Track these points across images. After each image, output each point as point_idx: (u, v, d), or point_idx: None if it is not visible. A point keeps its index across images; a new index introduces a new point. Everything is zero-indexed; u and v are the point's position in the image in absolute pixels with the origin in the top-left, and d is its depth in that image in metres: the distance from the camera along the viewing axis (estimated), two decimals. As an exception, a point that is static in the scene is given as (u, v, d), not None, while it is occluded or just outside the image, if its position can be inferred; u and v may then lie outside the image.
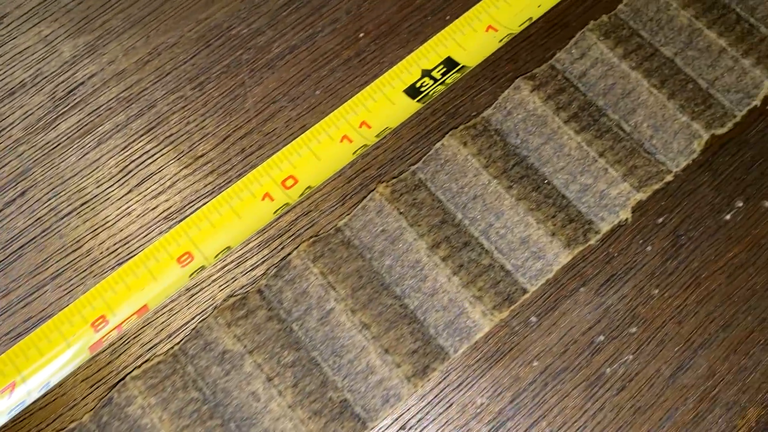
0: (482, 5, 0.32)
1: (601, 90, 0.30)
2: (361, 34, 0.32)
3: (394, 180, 0.29)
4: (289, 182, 0.29)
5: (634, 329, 0.27)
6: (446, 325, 0.27)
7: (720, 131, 0.29)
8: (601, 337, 0.27)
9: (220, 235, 0.29)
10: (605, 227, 0.28)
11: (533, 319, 0.27)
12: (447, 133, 0.30)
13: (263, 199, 0.29)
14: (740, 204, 0.28)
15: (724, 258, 0.28)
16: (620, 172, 0.28)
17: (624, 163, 0.29)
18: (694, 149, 0.29)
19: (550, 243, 0.27)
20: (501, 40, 0.31)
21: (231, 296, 0.28)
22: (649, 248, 0.28)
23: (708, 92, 0.30)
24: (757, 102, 0.29)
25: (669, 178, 0.28)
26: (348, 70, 0.31)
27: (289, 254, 0.28)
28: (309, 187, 0.29)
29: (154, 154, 0.30)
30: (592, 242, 0.28)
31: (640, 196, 0.28)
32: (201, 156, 0.30)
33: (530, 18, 0.32)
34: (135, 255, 0.28)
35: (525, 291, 0.27)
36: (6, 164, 0.30)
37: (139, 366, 0.27)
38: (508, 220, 0.28)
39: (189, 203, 0.30)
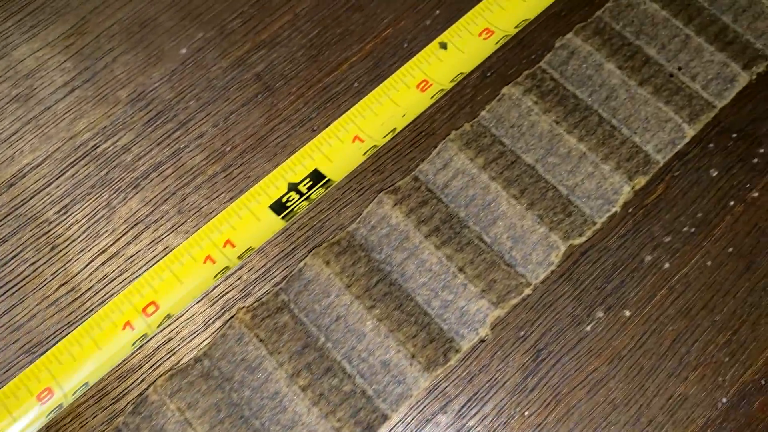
0: (349, 116, 0.32)
1: (462, 201, 0.30)
2: (228, 148, 0.32)
3: (256, 303, 0.29)
4: (150, 309, 0.29)
5: (494, 452, 0.27)
6: (304, 458, 0.26)
7: (578, 240, 0.29)
8: (461, 463, 0.27)
9: (81, 369, 0.28)
10: (466, 345, 0.28)
11: (394, 446, 0.27)
12: (313, 249, 0.29)
13: (124, 328, 0.29)
14: (601, 314, 0.28)
15: (584, 372, 0.28)
16: (479, 288, 0.28)
17: (483, 278, 0.28)
18: (552, 261, 0.29)
19: (411, 366, 0.27)
20: (365, 153, 0.31)
21: (87, 436, 0.27)
22: (510, 364, 0.28)
23: (568, 199, 0.30)
24: (617, 208, 0.29)
25: (528, 291, 0.28)
26: (213, 186, 0.31)
27: (146, 389, 0.28)
28: (169, 315, 0.29)
29: (15, 285, 0.30)
30: (452, 362, 0.27)
31: (498, 312, 0.28)
32: (64, 284, 0.30)
33: (394, 129, 0.32)
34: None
35: (386, 417, 0.27)
36: None
37: None
38: (370, 343, 0.28)
39: (51, 335, 0.29)
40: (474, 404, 0.27)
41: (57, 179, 0.32)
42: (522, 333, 0.28)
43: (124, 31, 0.34)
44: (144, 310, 0.29)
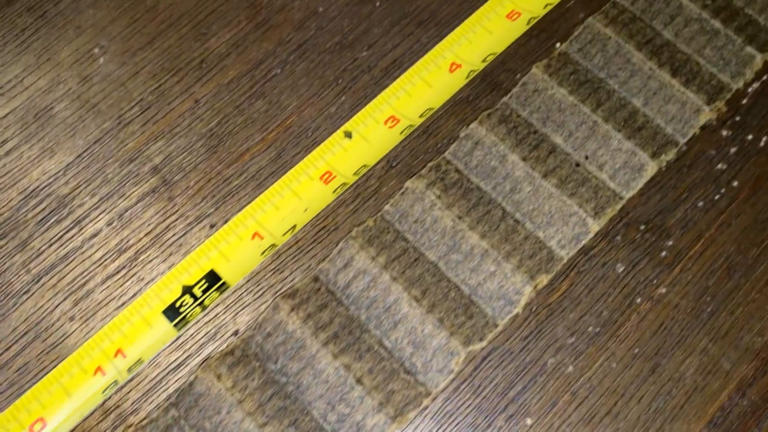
0: (248, 211, 0.31)
1: (364, 303, 0.29)
2: (123, 248, 0.31)
3: (145, 421, 0.27)
4: (38, 426, 0.28)
5: None
6: None
7: (478, 346, 0.28)
8: None
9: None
10: (361, 462, 0.27)
11: None
12: (206, 359, 0.28)
13: (7, 449, 0.27)
14: (501, 423, 0.28)
15: (484, 486, 0.27)
16: (377, 400, 0.27)
17: (381, 389, 0.28)
18: (452, 368, 0.28)
19: (302, 487, 0.26)
20: (264, 252, 0.30)
21: None
22: (408, 481, 0.27)
23: (471, 299, 0.29)
24: (518, 310, 0.29)
25: (427, 402, 0.27)
26: (106, 290, 0.30)
27: None
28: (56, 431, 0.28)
29: None
30: (346, 482, 0.26)
31: (396, 427, 0.27)
32: (-54, 399, 0.28)
33: (294, 226, 0.30)
34: None
35: None
36: None
37: None
38: (262, 461, 0.27)
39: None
40: None
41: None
42: (421, 446, 0.27)
43: (19, 122, 0.33)
44: (30, 427, 0.28)
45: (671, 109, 0.32)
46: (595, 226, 0.30)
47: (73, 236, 0.31)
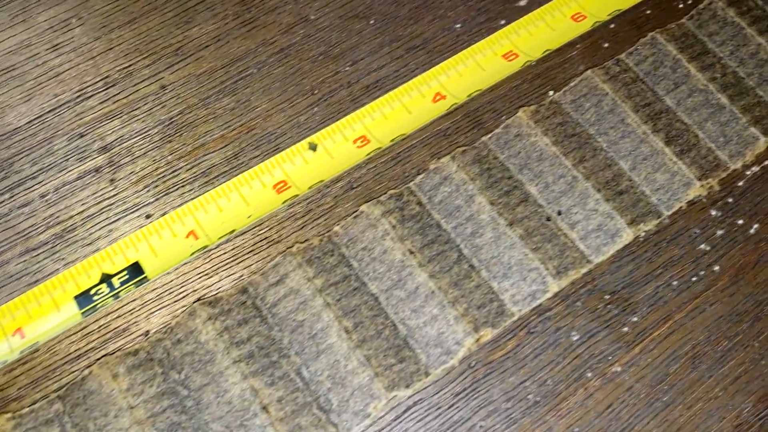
0: (189, 207, 0.29)
1: (289, 325, 0.26)
2: (51, 223, 0.28)
3: (26, 410, 0.25)
4: None
5: None
6: None
7: (403, 393, 0.25)
8: None
9: None
10: (248, 499, 0.24)
11: None
12: (105, 356, 0.26)
13: None
14: (412, 484, 0.24)
15: None
16: (280, 433, 0.24)
17: (288, 422, 0.25)
18: (369, 413, 0.25)
19: None
20: (194, 252, 0.28)
21: None
22: None
23: (406, 341, 0.26)
24: (454, 362, 0.26)
25: (334, 445, 0.24)
26: (21, 264, 0.27)
27: None
28: (-77, 409, 0.25)
29: None
30: None
31: (293, 466, 0.24)
32: None
33: (234, 230, 0.28)
34: None
35: None
36: None
37: None
38: (140, 477, 0.24)
39: None
40: None
41: None
42: (318, 493, 0.24)
43: (-23, 78, 0.31)
44: None
45: (660, 178, 0.29)
46: (554, 286, 0.27)
47: (2, 201, 0.29)
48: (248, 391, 0.25)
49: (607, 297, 0.28)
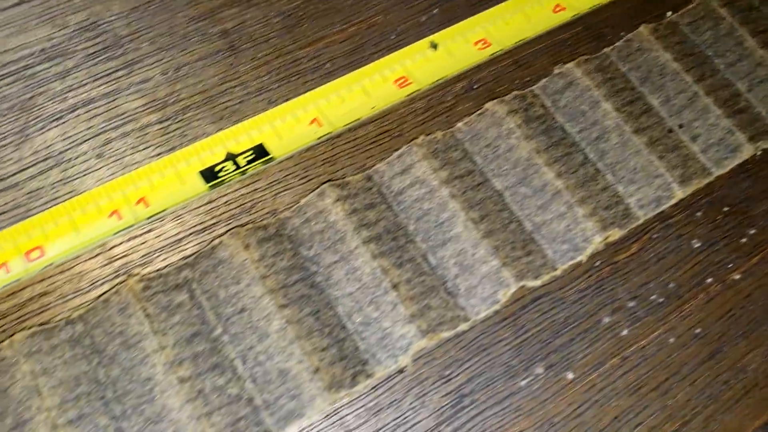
0: (313, 95, 0.28)
1: (414, 214, 0.26)
2: (171, 100, 0.28)
3: (154, 274, 0.24)
4: (35, 254, 0.25)
5: (383, 502, 0.22)
6: (160, 462, 0.22)
7: (533, 283, 0.25)
8: (343, 506, 0.22)
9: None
10: (380, 372, 0.24)
11: (270, 470, 0.23)
12: (235, 227, 0.25)
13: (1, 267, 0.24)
14: (540, 371, 0.24)
15: (508, 431, 0.24)
16: (410, 311, 0.24)
17: (418, 301, 0.25)
18: (498, 299, 0.25)
19: (311, 382, 0.23)
20: (321, 137, 0.27)
21: None
22: (426, 405, 0.24)
23: (531, 237, 0.26)
24: (582, 258, 0.26)
25: (464, 326, 0.24)
26: (143, 136, 0.27)
27: (1, 342, 0.23)
28: (53, 263, 0.25)
29: None
30: (359, 388, 0.23)
31: (425, 342, 0.24)
32: (-56, 205, 0.25)
33: (359, 118, 0.28)
34: None
35: (268, 435, 0.23)
36: None
37: None
38: (272, 346, 0.24)
39: None
40: (374, 442, 0.23)
41: (-28, 92, 0.28)
42: (447, 372, 0.24)
43: (94, -45, 0.30)
44: (27, 253, 0.25)
45: (776, 102, 0.29)
46: (679, 193, 0.27)
47: (121, 77, 0.28)
48: (378, 270, 0.25)
49: (726, 209, 0.28)
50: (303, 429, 0.23)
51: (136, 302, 0.24)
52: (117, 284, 0.25)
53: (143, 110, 0.28)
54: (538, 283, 0.26)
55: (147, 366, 0.23)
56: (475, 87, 0.29)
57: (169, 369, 0.23)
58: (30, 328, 0.24)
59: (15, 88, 0.28)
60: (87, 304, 0.24)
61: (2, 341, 0.24)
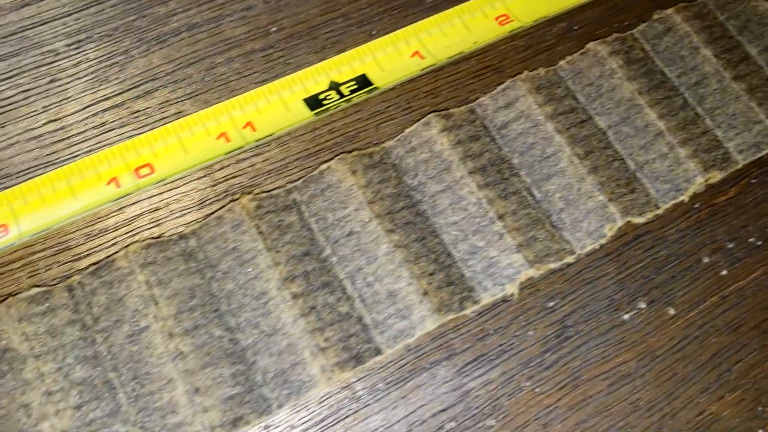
0: (414, 29, 0.28)
1: (518, 147, 0.26)
2: (274, 29, 0.28)
3: (264, 194, 0.25)
4: (145, 171, 0.25)
5: (492, 422, 0.23)
6: (277, 373, 0.22)
7: (637, 220, 0.25)
8: (453, 424, 0.23)
9: (47, 214, 0.24)
10: (486, 298, 0.24)
11: (381, 386, 0.23)
12: (340, 154, 0.26)
13: (109, 183, 0.25)
14: (643, 305, 0.25)
15: (611, 362, 0.24)
16: (517, 241, 0.24)
17: (524, 232, 0.25)
18: (604, 233, 0.25)
19: (420, 303, 0.23)
20: (424, 69, 0.27)
21: (35, 286, 0.23)
22: (530, 333, 0.24)
23: (635, 175, 0.26)
24: (684, 198, 0.26)
25: (570, 259, 0.25)
26: (248, 63, 0.27)
27: (116, 253, 0.23)
28: (163, 180, 0.25)
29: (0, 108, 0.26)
30: (467, 312, 0.24)
31: (533, 272, 0.24)
32: (54, 120, 0.26)
33: (461, 52, 0.28)
34: None
35: (379, 352, 0.23)
36: None
37: None
38: (380, 268, 0.24)
39: (24, 170, 0.25)
40: (480, 365, 0.23)
41: (77, 12, 0.28)
42: (552, 303, 0.24)
43: None
44: (137, 170, 0.25)
45: None
46: (780, 139, 0.27)
47: (224, 3, 0.29)
48: (484, 200, 0.25)
49: (824, 159, 0.28)
50: (410, 350, 0.24)
51: (249, 220, 0.24)
52: (228, 203, 0.25)
53: (246, 37, 0.28)
54: (642, 220, 0.26)
55: (261, 281, 0.24)
56: (575, 28, 0.29)
57: (283, 285, 0.24)
58: (143, 240, 0.24)
59: (119, 9, 0.28)
60: (198, 221, 0.25)
61: (115, 252, 0.24)
